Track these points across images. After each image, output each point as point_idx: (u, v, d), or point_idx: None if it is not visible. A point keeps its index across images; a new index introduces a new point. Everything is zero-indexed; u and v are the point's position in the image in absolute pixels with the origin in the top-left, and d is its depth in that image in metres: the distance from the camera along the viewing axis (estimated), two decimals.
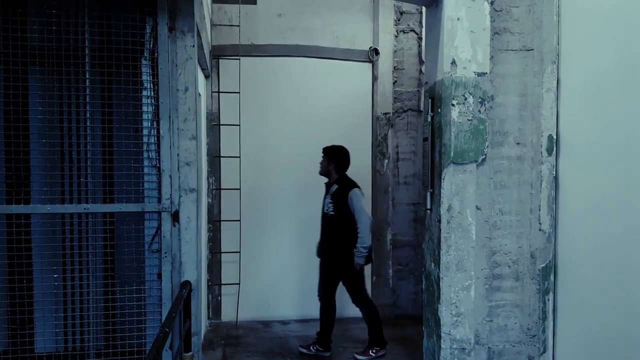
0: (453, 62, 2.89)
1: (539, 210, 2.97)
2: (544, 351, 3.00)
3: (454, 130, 2.89)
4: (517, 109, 2.98)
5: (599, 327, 2.59)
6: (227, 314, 4.98)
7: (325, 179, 4.20)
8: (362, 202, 3.98)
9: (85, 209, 2.67)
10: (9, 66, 2.59)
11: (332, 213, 4.05)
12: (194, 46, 2.77)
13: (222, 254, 4.95)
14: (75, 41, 2.67)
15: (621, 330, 2.42)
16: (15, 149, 2.63)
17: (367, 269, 5.17)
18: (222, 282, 4.95)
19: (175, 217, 2.76)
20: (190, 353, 2.78)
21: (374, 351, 4.10)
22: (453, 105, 2.89)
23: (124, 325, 2.72)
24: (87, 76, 2.68)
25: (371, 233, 3.96)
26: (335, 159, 4.11)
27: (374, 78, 5.14)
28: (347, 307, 5.13)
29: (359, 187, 4.02)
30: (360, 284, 4.13)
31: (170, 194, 2.75)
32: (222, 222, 4.95)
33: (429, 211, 3.14)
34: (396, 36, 5.13)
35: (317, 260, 5.26)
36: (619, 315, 2.44)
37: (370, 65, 5.17)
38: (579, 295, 2.79)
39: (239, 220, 4.87)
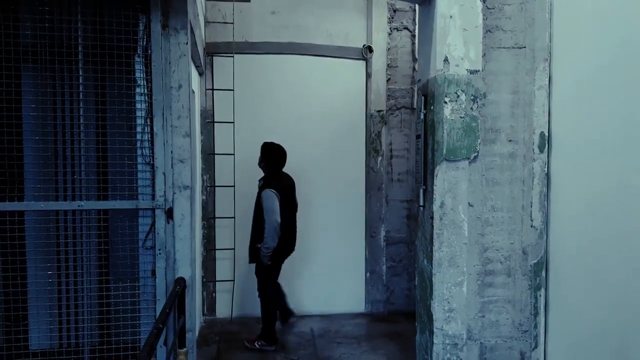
0: (446, 60, 2.91)
1: (531, 206, 3.00)
2: (536, 346, 3.03)
3: (447, 127, 2.91)
4: (509, 107, 3.00)
5: (590, 322, 2.62)
6: (222, 311, 5.00)
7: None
8: (273, 203, 3.96)
9: (79, 206, 2.67)
10: (2, 63, 2.58)
11: (254, 208, 4.18)
12: (187, 43, 2.77)
13: (217, 251, 4.97)
14: (69, 38, 2.67)
15: (612, 326, 2.45)
16: (9, 146, 2.62)
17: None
18: (217, 279, 4.96)
19: (169, 214, 2.77)
20: (185, 349, 2.79)
21: (259, 343, 4.24)
22: (445, 102, 2.90)
23: (119, 321, 2.72)
24: (81, 73, 2.68)
25: (276, 235, 3.97)
26: (266, 156, 4.17)
27: (368, 76, 5.16)
28: (338, 303, 5.18)
29: (275, 189, 4.00)
30: (266, 279, 4.20)
31: (164, 191, 2.76)
32: (216, 219, 4.96)
33: (422, 208, 3.16)
34: (390, 34, 5.15)
35: (310, 257, 5.30)
36: (610, 311, 2.47)
37: (364, 62, 5.18)
38: (571, 291, 2.82)
39: (233, 218, 4.88)
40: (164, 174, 2.76)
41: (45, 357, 2.71)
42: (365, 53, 5.10)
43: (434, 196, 2.94)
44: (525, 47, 3.00)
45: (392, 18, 5.15)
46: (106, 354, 2.70)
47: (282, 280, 5.00)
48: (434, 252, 2.94)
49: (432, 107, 3.01)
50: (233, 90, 4.84)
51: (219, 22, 4.86)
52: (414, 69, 5.15)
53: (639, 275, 2.27)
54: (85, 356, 2.73)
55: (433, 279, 2.95)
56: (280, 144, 4.22)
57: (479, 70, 2.94)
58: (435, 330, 2.96)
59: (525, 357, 3.05)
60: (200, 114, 4.84)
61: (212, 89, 4.91)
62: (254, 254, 4.15)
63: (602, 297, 2.53)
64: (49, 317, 2.72)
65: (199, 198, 4.70)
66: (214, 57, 4.90)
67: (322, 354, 4.16)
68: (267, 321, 4.25)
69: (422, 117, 3.16)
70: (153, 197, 2.75)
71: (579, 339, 2.73)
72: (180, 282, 2.72)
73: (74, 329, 2.78)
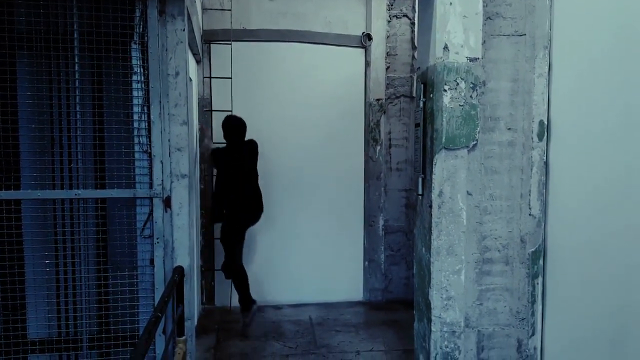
0: (445, 47, 2.88)
1: (529, 195, 3.00)
2: (533, 334, 3.05)
3: (446, 115, 2.89)
4: (508, 95, 2.98)
5: (588, 310, 2.63)
6: (221, 300, 5.01)
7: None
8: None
9: (76, 194, 2.66)
10: None
11: None
12: (184, 30, 2.74)
13: (215, 240, 4.96)
14: (64, 25, 2.64)
15: (609, 313, 2.46)
16: (4, 134, 2.60)
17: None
18: (216, 268, 4.96)
19: (167, 203, 2.76)
20: (184, 337, 2.80)
21: (245, 314, 4.42)
22: (445, 90, 2.88)
23: (117, 310, 2.73)
24: (77, 61, 2.65)
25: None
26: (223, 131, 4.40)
27: (367, 64, 5.12)
28: (336, 292, 5.20)
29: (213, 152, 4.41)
30: (230, 249, 4.37)
31: (162, 180, 2.74)
32: None
33: (420, 197, 3.16)
34: (389, 21, 5.10)
35: (309, 246, 5.30)
36: (606, 299, 2.48)
37: (363, 50, 5.14)
38: (568, 279, 2.83)
39: None
40: (161, 162, 2.74)
41: (44, 345, 2.72)
42: (364, 41, 5.06)
43: (433, 185, 2.93)
44: (525, 35, 2.97)
45: (392, 5, 5.10)
46: (105, 342, 2.71)
47: (280, 268, 5.02)
48: (432, 241, 2.94)
49: (431, 95, 2.99)
50: (231, 78, 4.81)
51: (216, 9, 4.81)
52: (413, 57, 5.12)
53: (636, 266, 2.27)
54: (83, 345, 2.74)
55: (431, 267, 2.96)
56: (234, 116, 4.38)
57: (478, 58, 2.91)
58: (433, 318, 2.97)
59: (522, 344, 3.07)
60: (198, 102, 4.81)
61: (210, 77, 4.88)
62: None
63: (599, 285, 2.53)
64: (47, 306, 2.72)
65: (197, 187, 4.68)
66: (211, 45, 4.86)
67: (320, 342, 4.18)
68: (241, 288, 4.39)
69: (421, 105, 3.14)
70: (151, 185, 2.74)
71: (576, 327, 2.74)
72: (179, 271, 2.72)
73: (72, 317, 2.78)
